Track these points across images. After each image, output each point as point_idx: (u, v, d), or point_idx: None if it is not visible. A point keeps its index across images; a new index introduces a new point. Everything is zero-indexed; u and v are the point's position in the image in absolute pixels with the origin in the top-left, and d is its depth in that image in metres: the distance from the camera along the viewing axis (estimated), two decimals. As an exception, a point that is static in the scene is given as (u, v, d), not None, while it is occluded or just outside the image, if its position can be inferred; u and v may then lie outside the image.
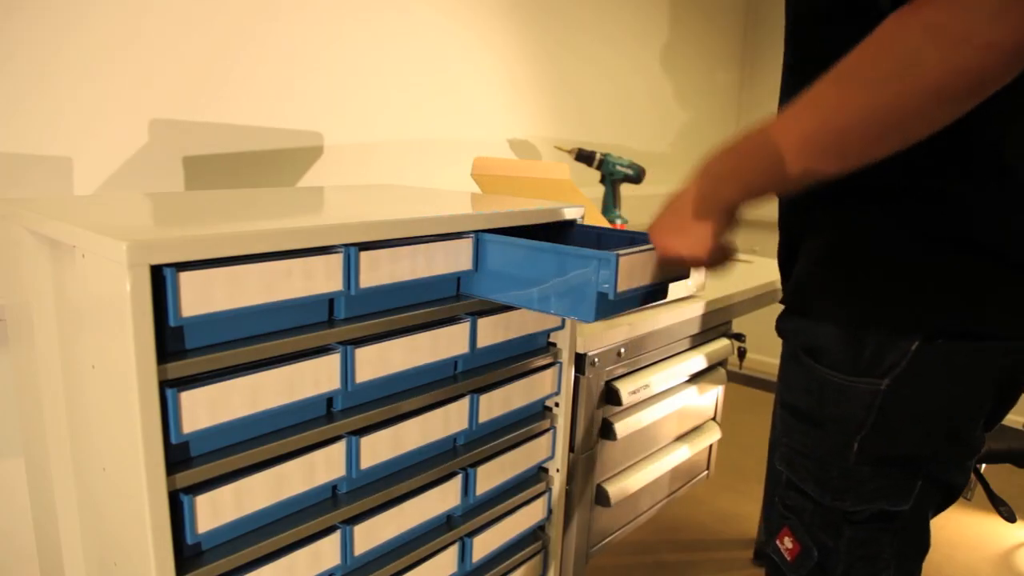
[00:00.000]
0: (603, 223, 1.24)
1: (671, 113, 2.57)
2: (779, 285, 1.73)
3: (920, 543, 0.77)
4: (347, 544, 0.83)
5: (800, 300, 0.77)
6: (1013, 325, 0.69)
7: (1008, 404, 0.76)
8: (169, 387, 0.64)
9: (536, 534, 1.15)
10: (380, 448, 0.85)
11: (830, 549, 0.76)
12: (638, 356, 1.32)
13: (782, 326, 0.81)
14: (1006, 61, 0.52)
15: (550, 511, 1.14)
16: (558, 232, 1.02)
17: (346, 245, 0.76)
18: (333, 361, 0.77)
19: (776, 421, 0.84)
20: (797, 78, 0.70)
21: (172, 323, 0.63)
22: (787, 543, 0.80)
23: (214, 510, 0.69)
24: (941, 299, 0.68)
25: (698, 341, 1.49)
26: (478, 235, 0.89)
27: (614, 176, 1.81)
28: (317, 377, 0.76)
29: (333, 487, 0.84)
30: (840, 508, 0.75)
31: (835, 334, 0.73)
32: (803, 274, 0.77)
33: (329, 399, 0.81)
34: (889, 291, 0.69)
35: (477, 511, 1.01)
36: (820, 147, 0.60)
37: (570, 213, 1.01)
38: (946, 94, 0.54)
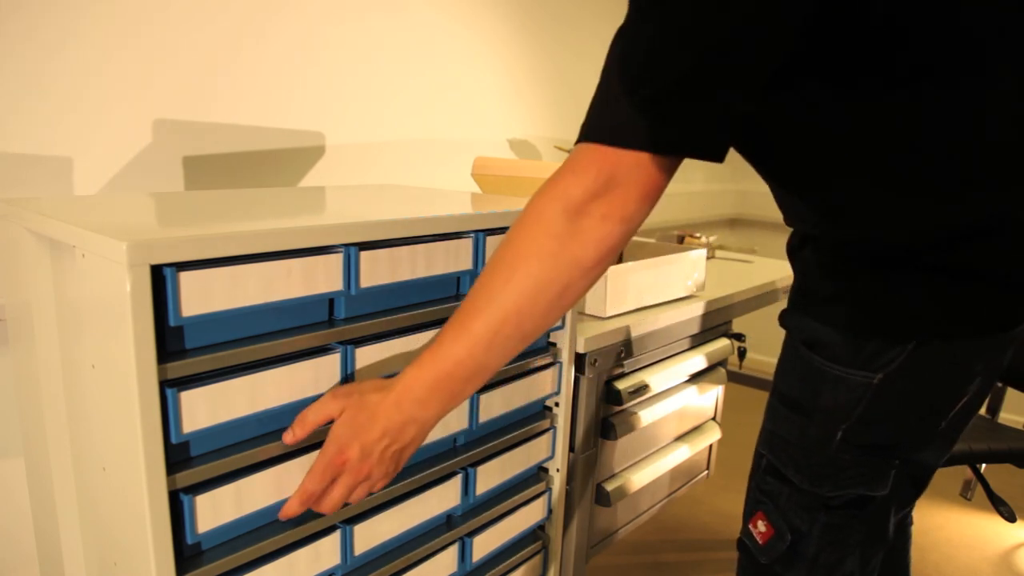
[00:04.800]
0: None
1: (671, 113, 2.57)
2: (779, 285, 1.73)
3: (883, 532, 0.81)
4: (347, 544, 0.83)
5: (806, 302, 0.80)
6: (991, 323, 0.73)
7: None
8: (169, 387, 0.64)
9: (536, 534, 1.15)
10: (380, 448, 0.84)
11: (803, 533, 0.79)
12: (638, 356, 1.32)
13: (787, 321, 0.83)
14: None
15: (550, 511, 1.14)
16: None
17: (346, 245, 0.76)
18: (333, 361, 0.77)
19: (767, 408, 0.87)
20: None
21: (172, 323, 0.63)
22: (760, 527, 0.83)
23: (214, 510, 0.69)
24: (934, 310, 0.71)
25: (698, 341, 1.49)
26: (478, 235, 0.89)
27: (614, 176, 1.81)
28: (317, 377, 0.76)
29: (333, 487, 0.84)
30: (818, 493, 0.78)
31: (837, 334, 0.75)
32: (809, 281, 0.80)
33: (329, 399, 0.81)
34: (888, 304, 0.72)
35: (477, 511, 1.01)
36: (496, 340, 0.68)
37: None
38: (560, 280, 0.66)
